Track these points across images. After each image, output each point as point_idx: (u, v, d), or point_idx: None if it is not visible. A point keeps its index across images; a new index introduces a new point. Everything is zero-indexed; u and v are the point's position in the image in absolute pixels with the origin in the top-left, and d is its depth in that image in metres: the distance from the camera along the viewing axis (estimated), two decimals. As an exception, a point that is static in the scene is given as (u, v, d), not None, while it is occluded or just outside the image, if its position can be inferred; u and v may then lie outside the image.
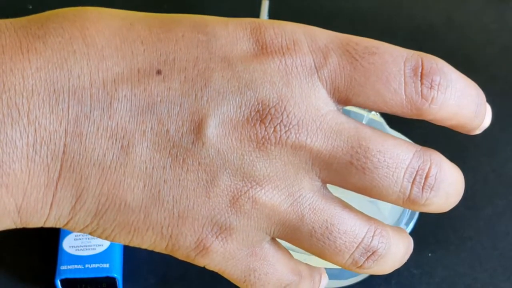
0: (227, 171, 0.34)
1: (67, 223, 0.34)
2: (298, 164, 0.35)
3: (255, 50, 0.34)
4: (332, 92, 0.35)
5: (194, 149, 0.33)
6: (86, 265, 0.54)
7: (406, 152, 0.36)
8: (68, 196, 0.33)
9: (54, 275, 0.54)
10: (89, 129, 0.32)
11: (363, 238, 0.36)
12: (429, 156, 0.36)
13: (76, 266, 0.54)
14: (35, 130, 0.32)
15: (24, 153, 0.32)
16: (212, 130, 0.33)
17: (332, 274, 0.54)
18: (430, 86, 0.35)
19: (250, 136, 0.34)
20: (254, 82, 0.34)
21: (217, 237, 0.35)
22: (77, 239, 0.56)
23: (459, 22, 0.75)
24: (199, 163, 0.34)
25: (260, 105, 0.34)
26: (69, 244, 0.55)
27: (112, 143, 0.33)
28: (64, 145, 0.32)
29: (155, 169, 0.33)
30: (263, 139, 0.34)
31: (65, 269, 0.54)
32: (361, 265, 0.37)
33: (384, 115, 0.53)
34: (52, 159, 0.32)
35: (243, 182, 0.34)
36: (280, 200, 0.35)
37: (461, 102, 0.36)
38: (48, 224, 0.34)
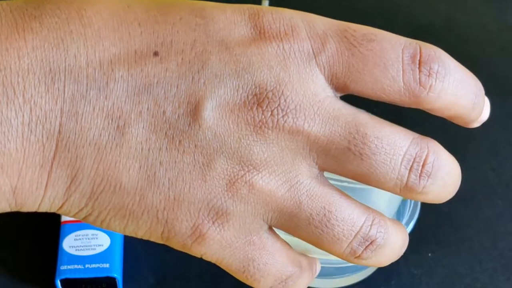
0: (223, 154, 0.34)
1: (61, 206, 0.34)
2: (296, 150, 0.35)
3: (253, 35, 0.34)
4: (330, 78, 0.35)
5: (191, 131, 0.33)
6: (86, 265, 0.54)
7: (403, 139, 0.35)
8: (63, 176, 0.33)
9: (54, 275, 0.54)
10: (85, 108, 0.32)
11: (361, 227, 0.36)
12: (427, 143, 0.36)
13: (76, 266, 0.54)
14: (31, 109, 0.32)
15: (19, 132, 0.32)
16: (209, 112, 0.33)
17: (331, 274, 0.54)
18: (428, 74, 0.35)
19: (247, 120, 0.34)
20: (252, 66, 0.34)
21: (213, 223, 0.35)
22: (77, 239, 0.56)
23: (459, 22, 0.75)
24: (195, 145, 0.34)
25: (258, 88, 0.34)
26: (69, 244, 0.55)
27: (108, 123, 0.33)
28: (60, 124, 0.32)
29: (151, 151, 0.33)
30: (260, 123, 0.34)
31: (65, 269, 0.54)
32: (359, 255, 0.37)
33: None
34: (47, 138, 0.32)
35: (240, 166, 0.34)
36: (277, 185, 0.35)
37: (459, 91, 0.36)
38: (43, 207, 0.34)
